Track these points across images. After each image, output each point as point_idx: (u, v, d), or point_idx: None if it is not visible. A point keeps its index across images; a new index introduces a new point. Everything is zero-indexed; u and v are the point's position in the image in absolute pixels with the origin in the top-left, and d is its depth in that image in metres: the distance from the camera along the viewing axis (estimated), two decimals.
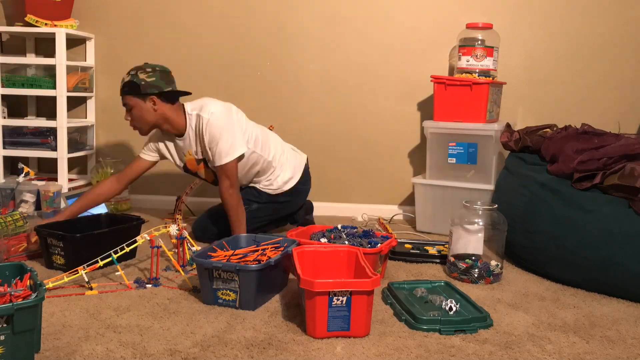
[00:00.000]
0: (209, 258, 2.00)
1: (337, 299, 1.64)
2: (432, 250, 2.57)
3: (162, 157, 2.68)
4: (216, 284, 1.89)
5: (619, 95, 3.14)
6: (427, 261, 2.46)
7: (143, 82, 2.43)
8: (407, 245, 2.64)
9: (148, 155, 2.66)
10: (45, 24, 3.23)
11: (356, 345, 1.63)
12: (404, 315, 1.81)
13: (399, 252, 2.52)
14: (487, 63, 2.98)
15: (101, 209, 2.83)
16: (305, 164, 2.86)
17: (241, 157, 2.55)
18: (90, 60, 3.50)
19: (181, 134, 2.56)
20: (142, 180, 3.54)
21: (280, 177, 2.74)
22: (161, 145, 2.65)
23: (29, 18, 3.17)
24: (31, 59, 3.45)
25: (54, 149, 3.26)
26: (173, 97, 2.52)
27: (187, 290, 2.06)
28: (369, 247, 2.17)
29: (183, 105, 2.55)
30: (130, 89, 2.44)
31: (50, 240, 2.25)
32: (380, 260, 2.17)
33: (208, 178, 2.71)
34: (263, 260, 2.00)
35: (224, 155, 2.48)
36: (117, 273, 2.17)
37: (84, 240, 2.23)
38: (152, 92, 2.44)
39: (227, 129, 2.49)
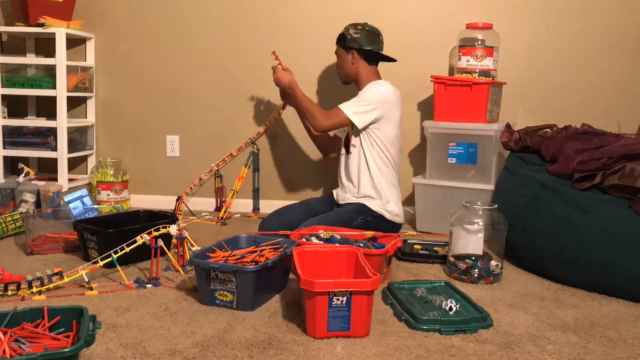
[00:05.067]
0: (207, 258, 2.00)
1: (337, 299, 1.64)
2: (442, 252, 2.54)
3: None
4: (213, 285, 1.89)
5: (619, 95, 3.14)
6: (437, 262, 2.46)
7: (349, 37, 2.72)
8: (416, 246, 2.64)
9: None
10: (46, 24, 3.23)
11: (356, 346, 1.63)
12: (404, 315, 1.81)
13: (409, 253, 2.52)
14: (487, 63, 2.98)
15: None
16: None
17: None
18: (90, 60, 3.50)
19: None
20: (142, 180, 3.56)
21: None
22: None
23: (43, 19, 3.18)
24: (31, 59, 3.45)
25: (54, 149, 3.26)
26: (373, 57, 2.75)
27: (187, 290, 2.06)
28: (375, 249, 2.17)
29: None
30: (338, 40, 2.79)
31: (86, 235, 2.36)
32: (385, 261, 2.17)
33: None
34: (261, 261, 2.00)
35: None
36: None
37: (116, 236, 2.27)
38: (353, 47, 2.72)
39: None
